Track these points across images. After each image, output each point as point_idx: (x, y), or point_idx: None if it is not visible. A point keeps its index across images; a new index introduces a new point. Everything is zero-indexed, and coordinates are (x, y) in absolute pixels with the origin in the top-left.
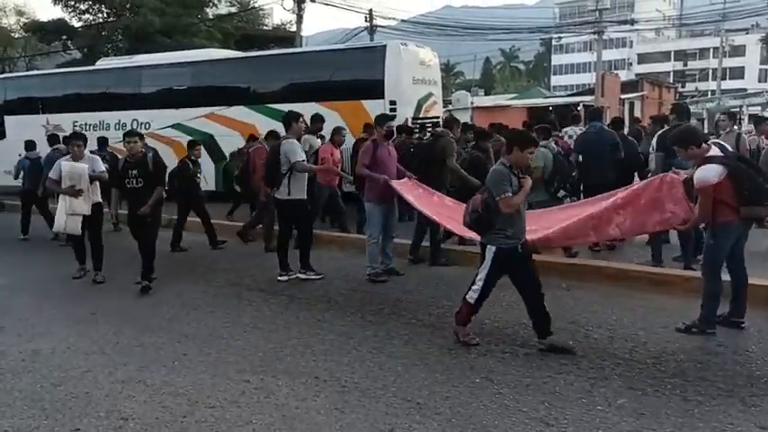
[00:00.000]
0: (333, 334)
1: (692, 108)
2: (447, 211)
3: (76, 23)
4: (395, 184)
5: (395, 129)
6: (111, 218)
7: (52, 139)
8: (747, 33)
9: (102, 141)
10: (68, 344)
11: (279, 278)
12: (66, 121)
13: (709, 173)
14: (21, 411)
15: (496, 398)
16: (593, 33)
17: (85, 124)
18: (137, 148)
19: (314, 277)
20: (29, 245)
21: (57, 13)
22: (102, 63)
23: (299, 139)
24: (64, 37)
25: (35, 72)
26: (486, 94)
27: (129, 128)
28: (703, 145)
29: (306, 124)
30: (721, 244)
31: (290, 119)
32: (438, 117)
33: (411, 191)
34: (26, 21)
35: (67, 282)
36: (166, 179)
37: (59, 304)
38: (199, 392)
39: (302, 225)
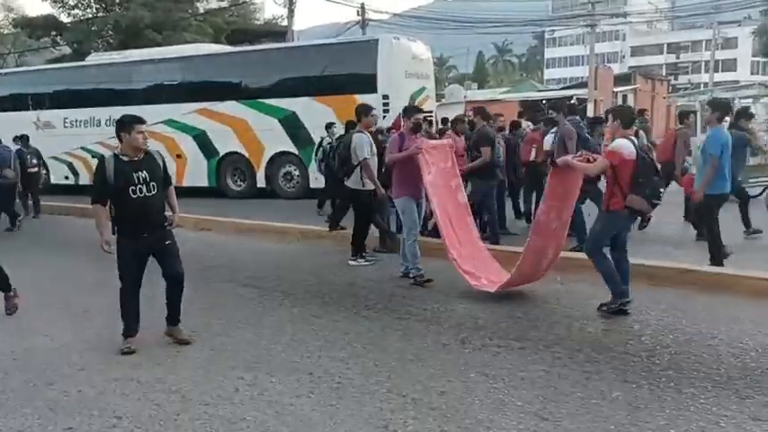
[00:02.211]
0: (327, 330)
1: (686, 100)
2: (456, 219)
3: (66, 19)
4: (426, 147)
5: (422, 121)
6: (104, 246)
7: None
8: (740, 25)
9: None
10: (61, 342)
11: (350, 262)
12: (56, 118)
13: (626, 144)
14: (13, 410)
15: (491, 392)
16: (586, 26)
17: (76, 120)
18: (144, 142)
19: (363, 264)
20: (23, 243)
21: (45, 8)
22: (93, 59)
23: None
24: (53, 33)
25: (24, 68)
26: (480, 87)
27: None
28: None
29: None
30: (606, 230)
31: (359, 112)
32: (431, 111)
33: (439, 162)
34: (15, 16)
35: (61, 280)
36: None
37: (52, 302)
38: (192, 390)
39: (366, 215)
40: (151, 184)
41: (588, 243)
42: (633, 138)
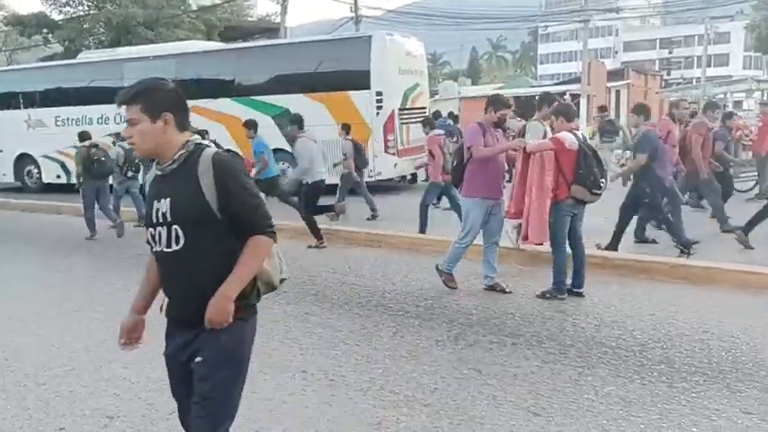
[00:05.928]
0: (320, 327)
1: (678, 95)
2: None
3: (57, 16)
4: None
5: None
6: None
7: None
8: (732, 20)
9: None
10: (52, 341)
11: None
12: (47, 116)
13: (569, 136)
14: (4, 411)
15: (484, 389)
16: (580, 22)
17: (68, 119)
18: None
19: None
20: (20, 240)
21: (36, 5)
22: (84, 56)
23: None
24: (44, 30)
25: (15, 66)
26: (473, 83)
27: (111, 122)
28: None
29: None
30: (561, 221)
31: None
32: (425, 108)
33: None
34: (5, 14)
35: (54, 278)
36: None
37: (44, 301)
38: None
39: None
40: (173, 227)
41: (551, 239)
42: (577, 132)
